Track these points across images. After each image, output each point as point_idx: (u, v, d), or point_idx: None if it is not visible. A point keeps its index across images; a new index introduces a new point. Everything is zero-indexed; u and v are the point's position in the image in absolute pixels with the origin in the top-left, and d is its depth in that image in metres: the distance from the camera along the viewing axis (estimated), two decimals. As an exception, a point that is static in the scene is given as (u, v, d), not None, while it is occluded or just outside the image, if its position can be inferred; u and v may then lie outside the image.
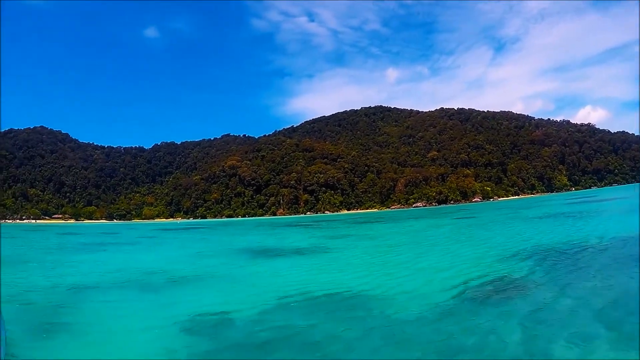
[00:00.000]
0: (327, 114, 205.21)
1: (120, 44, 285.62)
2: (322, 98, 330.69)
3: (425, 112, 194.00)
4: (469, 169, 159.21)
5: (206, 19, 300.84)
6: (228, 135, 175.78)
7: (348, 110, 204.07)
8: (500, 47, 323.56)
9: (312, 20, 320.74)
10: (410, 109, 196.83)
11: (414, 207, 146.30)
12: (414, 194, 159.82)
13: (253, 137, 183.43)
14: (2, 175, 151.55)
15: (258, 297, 10.04)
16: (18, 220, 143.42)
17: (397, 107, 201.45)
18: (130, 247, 31.29)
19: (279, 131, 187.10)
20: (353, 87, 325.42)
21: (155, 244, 32.79)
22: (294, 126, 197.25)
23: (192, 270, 16.49)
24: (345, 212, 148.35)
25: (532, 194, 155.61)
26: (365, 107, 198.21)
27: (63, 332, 7.44)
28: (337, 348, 5.88)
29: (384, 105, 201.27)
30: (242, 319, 8.45)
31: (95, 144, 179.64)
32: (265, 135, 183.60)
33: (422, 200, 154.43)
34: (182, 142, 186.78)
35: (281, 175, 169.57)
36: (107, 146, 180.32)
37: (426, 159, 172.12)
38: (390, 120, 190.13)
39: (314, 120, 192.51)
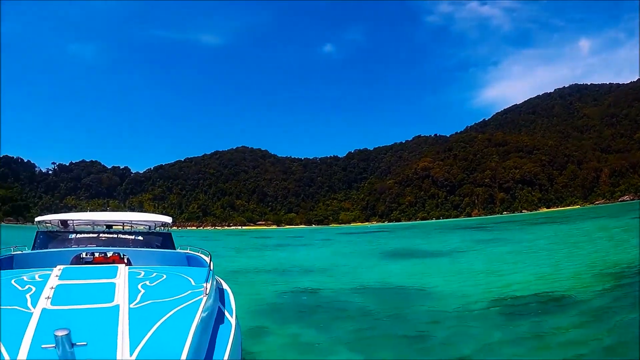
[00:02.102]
0: (518, 102, 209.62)
1: (303, 64, 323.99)
2: (511, 85, 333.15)
3: (627, 84, 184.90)
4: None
5: (378, 26, 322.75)
6: (419, 136, 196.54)
7: (541, 94, 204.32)
8: None
9: (484, 3, 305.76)
10: (610, 83, 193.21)
11: (620, 201, 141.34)
12: (620, 185, 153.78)
13: (444, 136, 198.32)
14: (212, 190, 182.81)
15: (338, 284, 12.87)
16: (226, 227, 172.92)
17: (594, 82, 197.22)
18: (300, 247, 37.45)
19: (470, 126, 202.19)
20: (542, 67, 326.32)
21: (324, 245, 38.66)
22: (485, 119, 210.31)
23: (322, 264, 20.19)
24: (545, 210, 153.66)
25: None
26: (558, 89, 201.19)
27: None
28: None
29: (579, 83, 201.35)
30: (327, 296, 11.06)
31: (292, 157, 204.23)
32: (456, 133, 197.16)
33: (630, 192, 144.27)
34: (374, 148, 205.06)
35: (475, 174, 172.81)
36: (304, 158, 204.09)
37: (633, 142, 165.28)
38: (589, 100, 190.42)
39: (505, 111, 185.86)
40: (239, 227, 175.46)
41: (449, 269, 15.96)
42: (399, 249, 28.56)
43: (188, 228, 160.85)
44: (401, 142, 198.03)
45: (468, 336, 6.62)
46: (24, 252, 6.60)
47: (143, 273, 3.98)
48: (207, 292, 3.28)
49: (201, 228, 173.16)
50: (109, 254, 6.53)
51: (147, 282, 3.64)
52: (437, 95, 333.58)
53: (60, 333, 2.17)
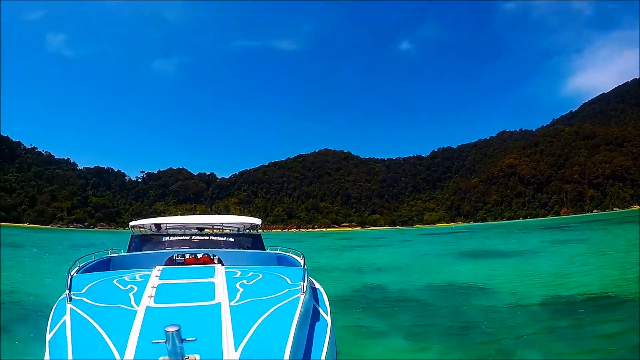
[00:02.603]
0: (606, 90, 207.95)
1: (381, 63, 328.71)
2: (597, 72, 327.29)
3: None
4: None
5: (454, 19, 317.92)
6: (504, 132, 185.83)
7: (629, 80, 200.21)
8: None
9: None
10: None
11: None
12: None
13: (530, 130, 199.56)
14: (296, 193, 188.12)
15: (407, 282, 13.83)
16: (311, 229, 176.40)
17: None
18: (377, 248, 38.89)
19: (557, 119, 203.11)
20: (629, 51, 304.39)
21: (402, 246, 40.02)
22: (572, 111, 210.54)
23: (394, 263, 21.43)
24: (638, 207, 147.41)
25: None
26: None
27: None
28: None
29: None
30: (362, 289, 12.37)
31: (375, 157, 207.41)
32: (542, 127, 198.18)
33: None
34: (458, 146, 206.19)
35: (563, 170, 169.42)
36: (387, 158, 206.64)
37: None
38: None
39: (593, 101, 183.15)
40: (323, 229, 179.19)
41: (516, 270, 16.50)
42: (473, 250, 29.62)
43: (273, 230, 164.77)
44: (485, 139, 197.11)
45: (511, 331, 7.32)
46: (119, 254, 6.90)
47: (239, 272, 4.09)
48: (304, 291, 3.35)
49: (286, 230, 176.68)
50: (199, 255, 6.64)
51: (245, 281, 3.76)
52: (521, 88, 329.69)
53: (171, 329, 2.27)
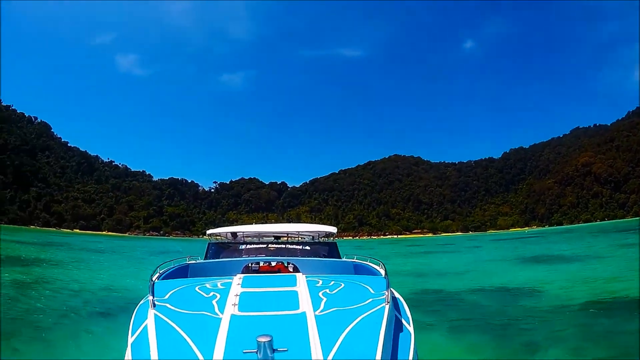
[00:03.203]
0: None
1: (446, 64, 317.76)
2: None
3: None
4: None
5: (518, 13, 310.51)
6: (577, 128, 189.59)
7: None
8: None
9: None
10: None
11: None
12: None
13: (605, 125, 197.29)
14: (367, 200, 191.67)
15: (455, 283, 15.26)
16: (382, 236, 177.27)
17: None
18: (443, 254, 39.67)
19: (633, 111, 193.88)
20: None
21: (468, 252, 40.14)
22: None
23: (455, 269, 22.19)
24: None
25: None
26: None
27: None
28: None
29: None
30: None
31: (446, 162, 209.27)
32: (617, 121, 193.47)
33: None
34: (530, 146, 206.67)
35: None
36: (458, 162, 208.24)
37: None
38: None
39: None
40: (395, 236, 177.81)
41: (570, 275, 17.03)
42: (536, 255, 29.93)
43: (344, 238, 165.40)
44: (559, 137, 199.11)
45: (543, 329, 8.22)
46: (197, 261, 7.03)
47: (321, 282, 4.16)
48: (388, 300, 3.35)
49: (357, 238, 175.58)
50: (273, 263, 6.77)
51: (327, 290, 3.80)
52: (592, 80, 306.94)
53: (263, 339, 2.29)
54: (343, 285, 4.06)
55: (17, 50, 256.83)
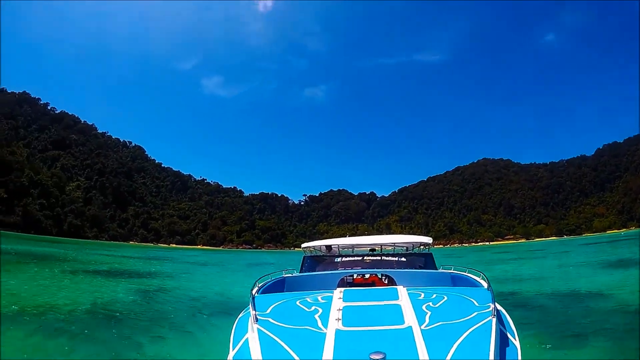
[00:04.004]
0: None
1: (527, 61, 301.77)
2: None
3: None
4: None
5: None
6: None
7: None
8: None
9: None
10: None
11: None
12: None
13: None
14: (457, 207, 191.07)
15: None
16: (473, 243, 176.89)
17: None
18: (528, 260, 40.09)
19: None
20: None
21: (554, 257, 40.14)
22: None
23: (535, 274, 23.19)
24: None
25: None
26: None
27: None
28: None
29: None
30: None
31: (537, 163, 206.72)
32: None
33: None
34: (625, 140, 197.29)
35: None
36: (549, 162, 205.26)
37: None
38: None
39: None
40: (486, 243, 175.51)
41: None
42: (623, 260, 29.22)
43: (435, 247, 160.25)
44: None
45: (601, 329, 8.66)
46: (293, 274, 7.03)
47: (423, 294, 4.13)
48: (494, 314, 3.28)
49: (448, 246, 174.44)
50: (367, 275, 6.73)
51: (430, 304, 3.76)
52: None
53: (376, 357, 2.31)
54: (446, 298, 4.06)
55: (109, 82, 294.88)
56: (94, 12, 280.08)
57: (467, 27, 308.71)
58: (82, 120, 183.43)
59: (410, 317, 3.30)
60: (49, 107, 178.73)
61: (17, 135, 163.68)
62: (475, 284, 5.47)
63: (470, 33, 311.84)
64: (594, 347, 7.50)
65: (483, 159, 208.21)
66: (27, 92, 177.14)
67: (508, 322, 3.80)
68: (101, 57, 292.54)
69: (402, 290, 4.21)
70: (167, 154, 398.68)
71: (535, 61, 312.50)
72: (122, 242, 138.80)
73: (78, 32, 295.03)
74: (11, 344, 7.85)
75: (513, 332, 3.58)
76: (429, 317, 3.33)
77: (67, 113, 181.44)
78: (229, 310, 10.42)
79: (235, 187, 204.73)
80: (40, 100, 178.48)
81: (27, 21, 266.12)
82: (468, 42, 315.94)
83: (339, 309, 3.58)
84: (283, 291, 5.90)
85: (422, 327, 3.10)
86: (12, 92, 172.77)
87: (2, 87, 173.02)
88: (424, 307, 3.60)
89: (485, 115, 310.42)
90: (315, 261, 8.33)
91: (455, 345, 2.74)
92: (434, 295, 4.10)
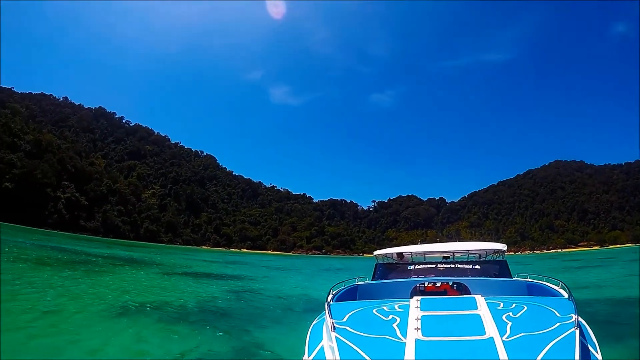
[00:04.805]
0: None
1: (593, 56, 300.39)
2: None
3: None
4: None
5: None
6: None
7: None
8: None
9: None
10: None
11: None
12: None
13: None
14: (529, 212, 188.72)
15: None
16: (545, 250, 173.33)
17: None
18: (588, 269, 40.13)
19: None
20: None
21: (622, 266, 39.69)
22: None
23: (589, 282, 23.36)
24: None
25: None
26: None
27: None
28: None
29: None
30: None
31: (612, 164, 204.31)
32: None
33: None
34: None
35: None
36: (625, 163, 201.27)
37: None
38: None
39: None
40: (559, 250, 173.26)
41: None
42: None
43: (505, 254, 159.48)
44: None
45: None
46: (366, 282, 7.06)
47: (502, 304, 4.10)
48: (577, 325, 3.23)
49: (518, 253, 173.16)
50: (438, 284, 6.55)
51: (510, 314, 3.72)
52: None
53: None
54: (526, 307, 3.99)
55: (182, 95, 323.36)
56: (150, 29, 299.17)
57: (533, 23, 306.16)
58: (156, 132, 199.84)
59: (491, 328, 3.34)
60: (123, 121, 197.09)
61: (95, 147, 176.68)
62: (554, 294, 5.46)
63: (536, 29, 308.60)
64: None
65: (555, 161, 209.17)
66: (102, 107, 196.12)
67: (589, 334, 3.80)
68: (170, 72, 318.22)
69: (480, 299, 4.24)
70: (237, 162, 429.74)
71: (603, 53, 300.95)
72: (195, 247, 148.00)
73: (147, 49, 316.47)
74: (146, 328, 10.34)
75: (595, 344, 3.57)
76: (510, 327, 3.37)
77: (141, 125, 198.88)
78: (315, 308, 11.80)
79: (304, 194, 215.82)
80: (116, 114, 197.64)
81: (109, 41, 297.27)
82: (535, 38, 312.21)
83: (418, 318, 3.64)
84: (356, 298, 6.12)
85: (504, 338, 3.14)
86: (88, 108, 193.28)
87: (79, 103, 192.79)
88: (504, 317, 3.62)
89: (555, 114, 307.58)
90: (387, 269, 8.51)
91: (539, 358, 2.79)
92: (514, 305, 4.11)
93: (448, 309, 3.99)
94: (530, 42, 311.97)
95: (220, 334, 10.43)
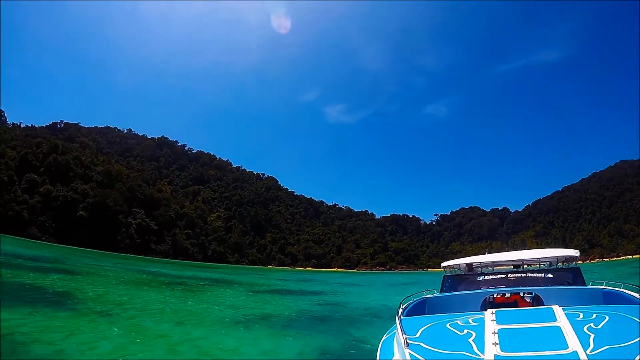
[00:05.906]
0: None
1: None
2: None
3: None
4: None
5: None
6: None
7: None
8: None
9: None
10: None
11: None
12: None
13: None
14: (596, 217, 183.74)
15: None
16: (615, 258, 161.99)
17: None
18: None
19: None
20: None
21: None
22: None
23: None
24: None
25: None
26: None
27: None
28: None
29: None
30: None
31: None
32: None
33: None
34: None
35: None
36: None
37: None
38: None
39: None
40: (629, 257, 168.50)
41: None
42: None
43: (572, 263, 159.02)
44: None
45: None
46: (434, 295, 6.85)
47: (582, 315, 3.93)
48: None
49: (587, 262, 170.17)
50: (507, 294, 6.36)
51: (592, 325, 3.55)
52: None
53: None
54: (608, 318, 3.80)
55: (240, 119, 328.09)
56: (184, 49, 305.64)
57: (589, 15, 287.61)
58: (218, 157, 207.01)
59: (573, 341, 3.21)
60: (186, 148, 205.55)
61: (160, 175, 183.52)
62: (635, 301, 5.20)
63: (592, 22, 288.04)
64: None
65: (620, 161, 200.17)
66: (165, 136, 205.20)
67: None
68: (225, 96, 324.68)
69: (558, 310, 4.08)
70: (298, 182, 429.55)
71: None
72: (262, 266, 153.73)
73: (207, 81, 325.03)
74: (261, 333, 12.14)
75: None
76: (593, 340, 3.22)
77: (203, 152, 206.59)
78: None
79: (366, 211, 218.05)
80: (178, 143, 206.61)
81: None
82: (588, 34, 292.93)
83: (494, 332, 3.52)
84: (425, 312, 6.08)
85: (588, 351, 3.02)
86: (152, 138, 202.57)
87: (142, 133, 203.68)
88: (585, 329, 3.47)
89: (617, 111, 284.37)
90: (456, 280, 8.34)
91: None
92: (594, 315, 3.93)
93: (526, 321, 3.90)
94: (586, 36, 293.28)
95: (325, 334, 12.43)
